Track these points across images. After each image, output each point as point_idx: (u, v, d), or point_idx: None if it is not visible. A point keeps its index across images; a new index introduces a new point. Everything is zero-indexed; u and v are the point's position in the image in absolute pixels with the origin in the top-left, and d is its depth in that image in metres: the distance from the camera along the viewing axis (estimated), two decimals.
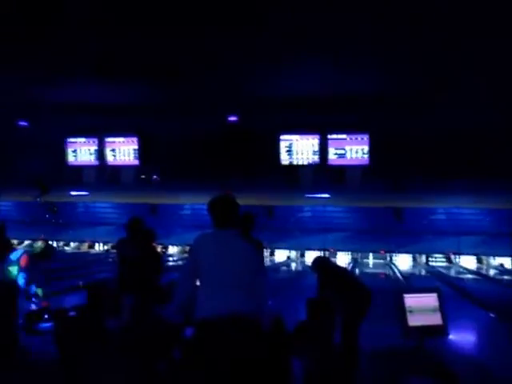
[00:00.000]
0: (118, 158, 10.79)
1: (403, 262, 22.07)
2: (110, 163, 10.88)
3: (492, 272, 19.95)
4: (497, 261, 21.42)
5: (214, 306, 3.43)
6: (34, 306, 6.59)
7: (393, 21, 5.28)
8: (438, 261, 22.00)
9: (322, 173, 10.26)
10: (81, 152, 10.99)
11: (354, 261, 21.15)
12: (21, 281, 6.37)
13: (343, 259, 22.37)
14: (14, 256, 6.60)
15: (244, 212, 6.54)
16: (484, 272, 19.67)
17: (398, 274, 16.72)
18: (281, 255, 23.44)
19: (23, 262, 6.36)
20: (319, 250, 23.32)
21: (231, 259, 3.57)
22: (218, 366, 3.33)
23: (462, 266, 21.05)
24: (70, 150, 11.05)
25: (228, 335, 3.37)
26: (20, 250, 7.02)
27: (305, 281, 15.27)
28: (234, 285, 3.51)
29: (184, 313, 3.62)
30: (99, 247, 25.70)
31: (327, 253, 23.21)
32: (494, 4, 4.89)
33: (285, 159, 10.02)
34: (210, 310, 3.41)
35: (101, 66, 6.47)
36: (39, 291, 6.58)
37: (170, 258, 21.12)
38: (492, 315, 9.32)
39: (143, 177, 12.69)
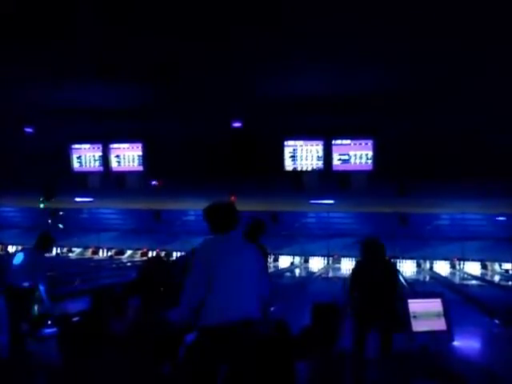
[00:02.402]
0: (122, 164, 10.83)
1: (407, 267, 22.00)
2: (114, 169, 10.91)
3: (497, 278, 19.86)
4: (502, 266, 21.33)
5: (226, 311, 3.43)
6: (37, 311, 6.61)
7: (396, 21, 5.29)
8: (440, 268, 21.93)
9: (327, 178, 10.25)
10: (85, 158, 11.04)
11: None
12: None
13: (347, 265, 22.31)
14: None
15: (254, 218, 6.63)
16: (489, 278, 19.59)
17: (402, 280, 16.66)
18: (285, 261, 23.40)
19: None
20: (323, 256, 23.30)
21: (240, 264, 3.59)
22: (230, 371, 3.37)
23: (466, 272, 20.97)
24: (74, 157, 11.09)
25: (242, 341, 3.39)
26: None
27: (309, 287, 15.25)
28: (244, 290, 3.53)
29: (193, 318, 3.54)
30: (103, 253, 25.72)
31: (331, 259, 23.19)
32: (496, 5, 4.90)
33: (289, 165, 10.02)
34: (223, 316, 3.42)
35: (103, 67, 6.49)
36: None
37: None
38: (496, 321, 9.29)
39: (153, 183, 12.75)
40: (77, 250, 25.99)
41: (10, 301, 6.44)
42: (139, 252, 24.73)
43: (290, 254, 23.72)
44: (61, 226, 23.69)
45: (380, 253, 5.75)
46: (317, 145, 9.86)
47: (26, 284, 6.41)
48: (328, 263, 23.11)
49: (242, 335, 3.40)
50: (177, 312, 3.62)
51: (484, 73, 6.88)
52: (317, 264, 22.85)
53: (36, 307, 6.72)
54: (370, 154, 9.52)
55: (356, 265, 6.02)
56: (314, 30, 5.51)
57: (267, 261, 6.86)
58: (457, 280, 19.04)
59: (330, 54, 6.29)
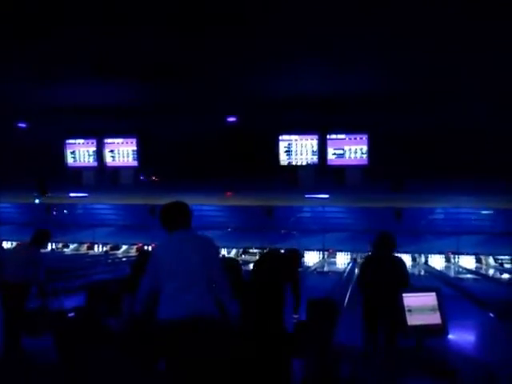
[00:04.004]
0: (116, 159, 10.79)
1: None
2: (108, 164, 10.87)
3: (491, 271, 19.96)
4: (497, 260, 21.43)
5: (174, 308, 3.59)
6: (33, 306, 6.59)
7: (391, 20, 5.28)
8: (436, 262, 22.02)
9: (322, 173, 10.24)
10: (80, 153, 10.99)
11: (354, 261, 21.16)
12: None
13: (343, 259, 22.39)
14: None
15: (290, 250, 6.63)
16: (483, 271, 19.68)
17: None
18: None
19: None
20: (318, 250, 23.34)
21: (188, 261, 3.72)
22: (182, 366, 3.52)
23: (461, 266, 21.07)
24: (68, 152, 11.03)
25: (188, 338, 3.51)
26: None
27: (305, 282, 15.28)
28: (193, 287, 3.65)
29: (145, 308, 3.85)
30: (98, 248, 25.68)
31: (326, 253, 23.24)
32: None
33: (284, 160, 10.01)
34: (171, 313, 3.58)
35: (99, 65, 6.45)
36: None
37: None
38: (491, 314, 9.33)
39: (142, 178, 12.69)
40: (72, 246, 25.95)
41: (5, 297, 6.43)
42: (134, 247, 24.71)
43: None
44: (65, 211, 23.75)
45: (391, 248, 5.81)
46: (312, 139, 9.84)
47: (21, 280, 6.39)
48: (323, 258, 23.15)
49: (185, 332, 3.51)
50: (135, 303, 3.93)
51: (481, 73, 6.89)
52: (312, 258, 22.90)
53: (32, 303, 6.71)
54: (365, 148, 9.52)
55: (365, 260, 6.04)
56: (310, 29, 5.49)
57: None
58: (452, 274, 19.12)
59: (326, 52, 6.28)
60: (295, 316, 6.16)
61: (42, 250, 7.16)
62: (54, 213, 24.16)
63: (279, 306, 4.29)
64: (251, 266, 7.23)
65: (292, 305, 6.22)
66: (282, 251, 7.04)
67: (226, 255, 20.25)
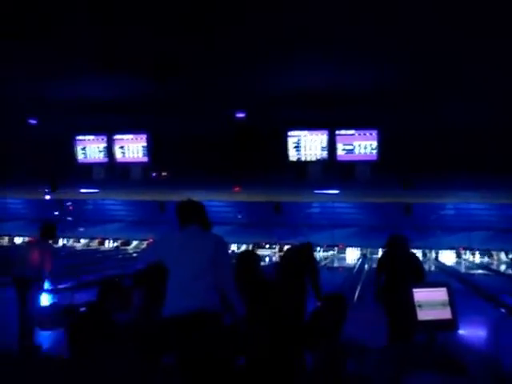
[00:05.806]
0: (126, 155, 10.84)
1: None
2: (118, 160, 10.93)
3: (502, 267, 19.83)
4: (508, 255, 21.28)
5: (178, 303, 3.62)
6: (45, 302, 6.66)
7: (398, 16, 5.27)
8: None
9: (331, 168, 10.23)
10: (90, 149, 11.04)
11: (363, 256, 21.11)
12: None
13: (352, 255, 22.35)
14: None
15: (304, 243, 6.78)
16: (494, 267, 19.56)
17: None
18: None
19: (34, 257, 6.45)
20: (328, 245, 23.31)
21: (192, 255, 3.76)
22: (186, 361, 3.57)
23: (471, 262, 20.95)
24: (79, 148, 11.11)
25: (189, 334, 3.53)
26: None
27: None
28: (197, 282, 3.67)
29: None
30: (109, 244, 25.81)
31: (336, 249, 23.21)
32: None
33: (293, 155, 10.01)
34: (175, 308, 3.61)
35: (110, 61, 6.48)
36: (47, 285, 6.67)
37: None
38: (502, 310, 9.29)
39: (154, 174, 12.77)
40: (83, 241, 26.09)
41: (19, 291, 6.51)
42: (145, 243, 24.80)
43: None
44: (70, 218, 23.96)
45: (404, 247, 5.96)
46: (322, 134, 9.83)
47: (35, 275, 6.46)
48: (333, 253, 23.11)
49: (188, 327, 3.54)
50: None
51: (485, 73, 6.87)
52: (322, 254, 22.87)
53: (44, 297, 6.78)
54: (375, 144, 9.50)
55: (380, 260, 6.17)
56: (319, 24, 5.49)
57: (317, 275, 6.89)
58: (462, 269, 19.02)
59: (336, 47, 6.28)
60: (318, 304, 6.22)
61: (54, 245, 7.23)
62: (71, 207, 24.31)
63: (300, 302, 4.29)
64: (261, 262, 7.24)
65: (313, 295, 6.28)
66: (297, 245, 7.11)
67: (236, 250, 20.32)
